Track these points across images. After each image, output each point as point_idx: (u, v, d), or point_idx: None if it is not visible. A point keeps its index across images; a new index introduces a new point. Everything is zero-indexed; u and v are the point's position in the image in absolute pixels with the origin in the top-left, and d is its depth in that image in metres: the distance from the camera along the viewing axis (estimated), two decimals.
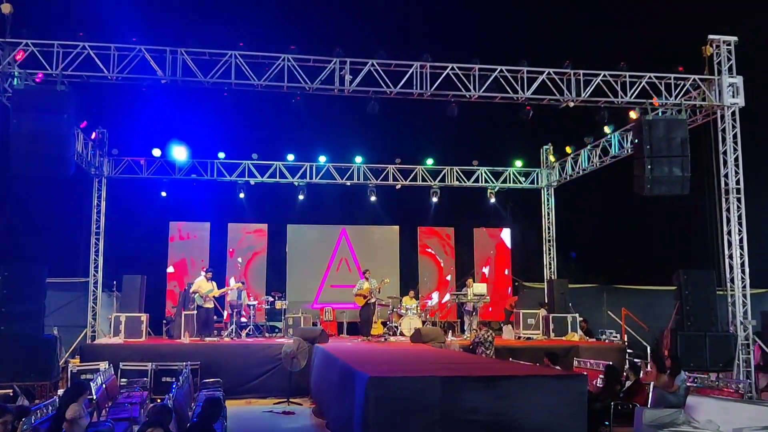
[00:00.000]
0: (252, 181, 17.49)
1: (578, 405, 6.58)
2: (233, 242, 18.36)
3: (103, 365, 11.68)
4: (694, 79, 13.00)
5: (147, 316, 14.66)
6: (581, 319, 15.99)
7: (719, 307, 12.86)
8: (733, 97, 12.78)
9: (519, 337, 15.76)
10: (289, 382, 12.41)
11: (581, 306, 16.71)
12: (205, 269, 15.12)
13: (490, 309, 18.04)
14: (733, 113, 12.82)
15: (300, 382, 12.48)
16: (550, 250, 18.47)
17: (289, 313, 16.05)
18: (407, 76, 12.37)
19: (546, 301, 17.12)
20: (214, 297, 14.46)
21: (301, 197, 17.67)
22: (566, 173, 17.61)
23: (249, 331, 15.51)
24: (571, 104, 12.88)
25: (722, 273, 12.86)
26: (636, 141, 12.70)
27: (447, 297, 17.97)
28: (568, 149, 17.43)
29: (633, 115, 13.46)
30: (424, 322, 15.79)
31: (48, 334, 12.08)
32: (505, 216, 19.58)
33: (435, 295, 18.38)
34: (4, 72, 11.28)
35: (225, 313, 15.47)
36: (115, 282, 16.16)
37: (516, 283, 19.35)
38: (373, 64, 12.22)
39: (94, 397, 8.79)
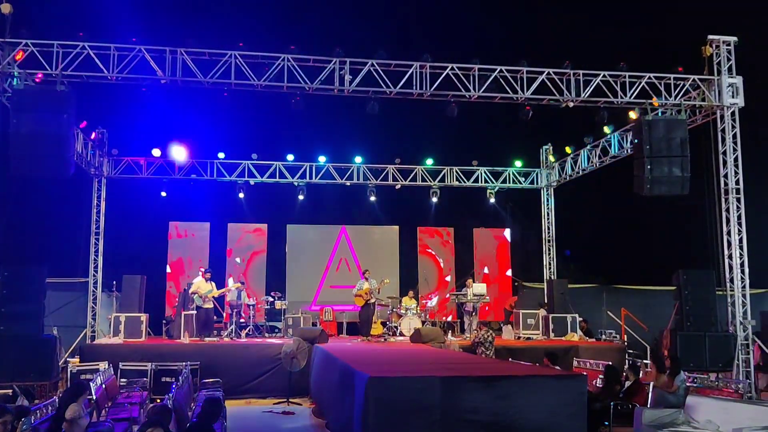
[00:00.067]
0: (252, 181, 17.50)
1: (578, 405, 6.59)
2: (233, 242, 18.36)
3: (102, 365, 11.68)
4: (693, 80, 13.01)
5: (147, 316, 14.66)
6: (581, 319, 15.99)
7: (719, 307, 12.87)
8: (733, 97, 12.78)
9: (519, 337, 15.76)
10: (288, 382, 12.41)
11: (581, 306, 16.70)
12: (203, 270, 15.12)
13: (487, 308, 18.04)
14: (733, 113, 12.83)
15: (300, 382, 12.48)
16: (549, 250, 18.48)
17: (289, 313, 16.05)
18: (407, 76, 12.37)
19: (546, 301, 17.13)
20: (213, 297, 14.46)
21: (300, 197, 17.67)
22: (566, 173, 17.61)
23: (249, 331, 15.52)
24: (571, 104, 12.87)
25: (722, 273, 12.86)
26: (636, 141, 12.70)
27: (435, 300, 17.98)
28: (567, 149, 17.43)
29: (633, 115, 13.47)
30: (423, 323, 15.79)
31: (48, 334, 12.09)
32: (504, 216, 19.59)
33: (435, 299, 18.35)
34: (3, 72, 11.27)
35: (225, 314, 15.48)
36: (114, 282, 16.16)
37: (516, 283, 19.35)
38: (372, 64, 12.22)
39: (94, 397, 8.79)
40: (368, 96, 12.43)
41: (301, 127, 17.25)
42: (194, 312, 14.35)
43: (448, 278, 19.14)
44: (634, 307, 16.60)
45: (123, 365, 12.18)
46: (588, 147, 16.41)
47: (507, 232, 19.64)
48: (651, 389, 9.41)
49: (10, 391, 9.93)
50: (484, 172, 18.42)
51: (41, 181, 12.91)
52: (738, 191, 12.71)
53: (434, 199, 18.29)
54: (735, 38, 12.86)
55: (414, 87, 12.39)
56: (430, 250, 19.30)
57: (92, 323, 15.48)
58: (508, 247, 19.55)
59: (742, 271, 12.63)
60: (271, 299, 16.60)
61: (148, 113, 15.18)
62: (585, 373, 10.03)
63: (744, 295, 12.58)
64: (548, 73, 12.68)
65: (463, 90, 12.53)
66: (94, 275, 15.92)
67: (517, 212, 19.70)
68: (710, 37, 12.89)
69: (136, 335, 14.07)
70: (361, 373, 6.62)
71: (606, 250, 18.83)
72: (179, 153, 16.34)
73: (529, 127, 14.21)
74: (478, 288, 16.00)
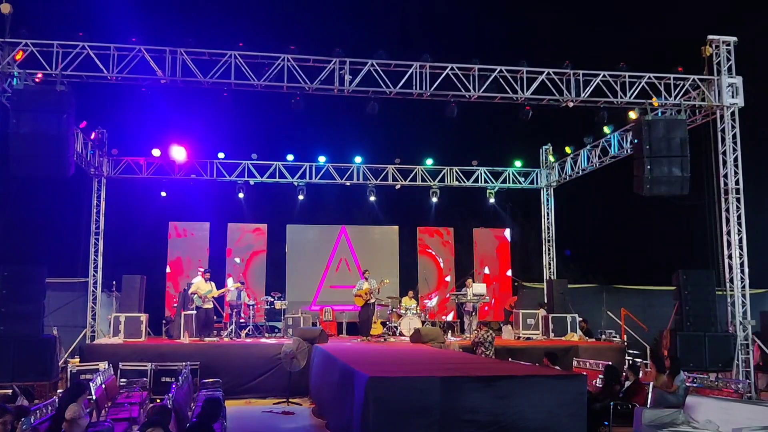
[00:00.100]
0: (251, 181, 17.50)
1: (578, 405, 6.60)
2: (233, 242, 18.36)
3: (102, 365, 11.68)
4: (693, 80, 13.01)
5: (146, 316, 14.66)
6: (581, 319, 16.00)
7: (719, 308, 12.86)
8: (733, 97, 12.78)
9: (518, 338, 15.77)
10: (288, 382, 12.41)
11: (581, 306, 16.70)
12: (202, 270, 15.12)
13: (486, 308, 18.05)
14: (733, 113, 12.82)
15: (299, 382, 12.48)
16: (549, 250, 18.48)
17: (289, 313, 16.04)
18: (407, 76, 12.36)
19: (545, 301, 17.13)
20: (213, 297, 14.46)
21: (300, 197, 17.67)
22: (566, 173, 17.62)
23: (248, 331, 15.52)
24: (571, 104, 12.88)
25: (722, 273, 12.86)
26: (635, 141, 12.70)
27: (435, 300, 17.96)
28: (567, 149, 17.44)
29: (632, 115, 13.47)
30: (423, 323, 15.79)
31: (47, 334, 12.07)
32: (504, 216, 19.59)
33: (435, 299, 18.33)
34: (3, 72, 11.26)
35: (224, 314, 15.48)
36: (114, 282, 16.16)
37: (515, 283, 19.35)
38: (372, 64, 12.22)
39: (94, 397, 8.79)
40: (368, 96, 12.42)
41: (301, 127, 17.25)
42: (194, 312, 14.35)
43: (447, 278, 19.14)
44: (633, 307, 16.61)
45: (123, 365, 12.19)
46: (588, 147, 16.41)
47: (507, 232, 19.64)
48: (651, 389, 9.41)
49: (10, 391, 9.94)
50: (484, 172, 18.43)
51: (41, 181, 12.88)
52: (738, 191, 12.71)
53: (434, 199, 18.29)
54: (735, 38, 12.85)
55: (414, 87, 12.39)
56: (429, 250, 19.31)
57: (92, 323, 15.47)
58: (507, 247, 19.55)
59: (742, 271, 12.64)
60: (271, 299, 16.60)
61: (147, 113, 15.18)
62: (585, 373, 10.02)
63: (744, 295, 12.58)
64: (548, 73, 12.68)
65: (462, 90, 12.53)
66: (93, 275, 15.92)
67: (517, 212, 19.70)
68: (710, 37, 12.89)
69: (135, 335, 14.07)
70: (361, 373, 6.63)
71: (606, 250, 18.84)
72: (179, 153, 16.34)
73: (528, 127, 14.20)
74: (478, 288, 16.01)
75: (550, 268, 18.40)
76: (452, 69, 12.50)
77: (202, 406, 6.88)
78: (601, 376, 10.71)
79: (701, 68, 13.00)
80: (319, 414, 10.66)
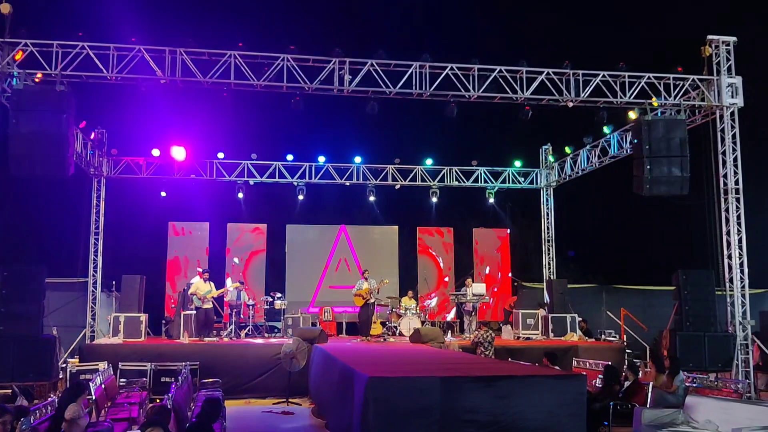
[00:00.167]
0: (251, 181, 17.49)
1: (577, 405, 6.59)
2: (232, 242, 18.35)
3: (102, 365, 11.68)
4: (693, 80, 13.01)
5: (146, 316, 14.66)
6: (580, 319, 16.00)
7: (718, 307, 12.86)
8: (732, 97, 12.78)
9: (518, 338, 15.76)
10: (288, 382, 12.41)
11: (580, 306, 16.70)
12: (201, 270, 15.11)
13: (484, 307, 18.03)
14: (732, 113, 12.82)
15: (299, 382, 12.47)
16: (549, 250, 18.49)
17: (288, 313, 16.04)
18: (406, 76, 12.36)
19: (545, 301, 17.13)
20: (213, 298, 14.45)
21: (300, 197, 17.68)
22: (565, 173, 17.62)
23: (248, 331, 15.52)
24: (570, 104, 12.88)
25: (721, 273, 12.87)
26: (635, 141, 12.70)
27: (435, 301, 17.95)
28: (567, 149, 17.45)
29: (632, 115, 13.47)
30: (423, 322, 15.79)
31: (47, 334, 12.07)
32: (504, 216, 19.59)
33: (435, 299, 18.32)
34: (3, 72, 11.26)
35: (224, 314, 15.47)
36: (114, 282, 16.16)
37: (515, 283, 19.35)
38: (372, 64, 12.22)
39: (93, 397, 8.78)
40: (368, 96, 12.43)
41: (301, 127, 17.25)
42: (193, 312, 14.35)
43: (447, 278, 19.14)
44: (633, 307, 16.61)
45: (122, 365, 12.18)
46: (587, 147, 16.41)
47: (506, 232, 19.64)
48: (650, 389, 9.41)
49: (10, 391, 9.92)
50: (484, 172, 18.43)
51: (41, 181, 12.90)
52: (737, 191, 12.71)
53: (434, 199, 18.30)
54: (734, 38, 12.86)
55: (413, 87, 12.39)
56: (429, 250, 19.30)
57: (92, 323, 15.47)
58: (507, 247, 19.55)
59: (742, 271, 12.64)
60: (271, 299, 16.60)
61: (147, 113, 15.19)
62: (584, 373, 10.00)
63: (743, 295, 12.58)
64: (548, 73, 12.68)
65: (462, 90, 12.53)
66: (93, 275, 15.91)
67: (517, 212, 19.71)
68: (709, 37, 12.90)
69: (135, 335, 14.06)
70: (360, 373, 6.62)
71: (605, 250, 18.85)
72: (178, 153, 16.34)
73: (528, 127, 14.21)
74: (478, 288, 16.02)
75: (549, 268, 18.41)
76: (452, 69, 12.50)
77: (202, 406, 6.89)
78: (600, 376, 10.70)
79: (701, 68, 13.01)
80: (319, 414, 10.66)
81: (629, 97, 12.87)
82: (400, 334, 15.54)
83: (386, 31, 18.00)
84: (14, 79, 11.28)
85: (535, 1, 19.27)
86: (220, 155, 17.27)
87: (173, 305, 16.68)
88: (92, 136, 15.49)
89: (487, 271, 19.19)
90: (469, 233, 19.43)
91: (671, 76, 12.98)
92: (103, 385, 9.61)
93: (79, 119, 13.58)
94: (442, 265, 19.27)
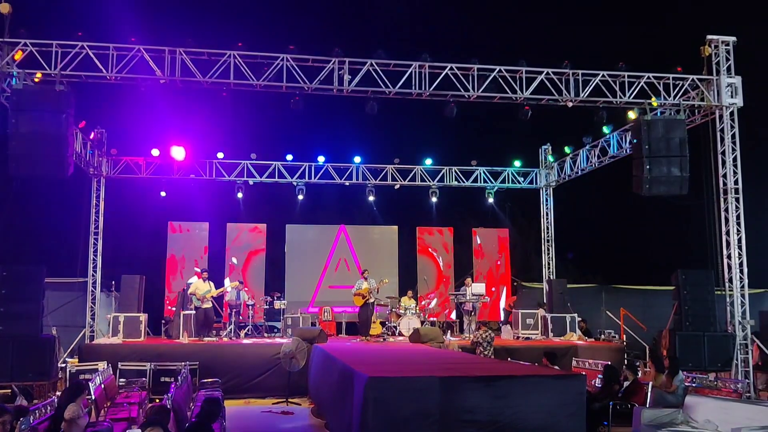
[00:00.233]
0: (251, 181, 17.49)
1: (577, 405, 6.59)
2: (232, 242, 18.34)
3: (101, 365, 11.67)
4: (692, 79, 13.02)
5: (146, 316, 14.66)
6: (580, 319, 16.01)
7: (718, 307, 12.88)
8: (732, 97, 12.79)
9: (518, 337, 15.76)
10: (287, 382, 12.40)
11: (580, 306, 16.71)
12: (199, 270, 15.11)
13: (480, 306, 18.00)
14: (732, 113, 12.83)
15: (299, 382, 12.47)
16: (548, 250, 18.50)
17: (288, 313, 16.04)
18: (406, 76, 12.36)
19: (545, 301, 17.13)
20: (212, 297, 14.45)
21: (300, 197, 17.68)
22: (565, 173, 17.63)
23: (248, 331, 15.52)
24: (570, 104, 12.88)
25: (721, 273, 12.87)
26: (634, 141, 12.71)
27: (435, 301, 17.94)
28: (566, 149, 17.45)
29: (632, 115, 13.47)
30: (422, 322, 15.79)
31: (47, 334, 12.07)
32: (503, 216, 19.60)
33: (434, 300, 18.32)
34: (2, 72, 11.25)
35: (223, 314, 15.47)
36: (113, 282, 16.17)
37: (515, 283, 19.36)
38: (371, 64, 12.22)
39: (93, 397, 8.78)
40: (367, 96, 12.42)
41: (300, 127, 17.25)
42: (193, 312, 14.34)
43: (447, 278, 19.13)
44: (633, 307, 16.61)
45: (122, 365, 12.17)
46: (587, 147, 16.42)
47: (506, 232, 19.64)
48: (650, 389, 9.41)
49: (9, 390, 9.92)
50: (483, 172, 18.44)
51: (40, 180, 12.89)
52: (737, 191, 12.72)
53: (433, 199, 18.30)
54: (734, 38, 12.87)
55: (413, 87, 12.39)
56: (429, 250, 19.30)
57: (91, 323, 15.47)
58: (507, 247, 19.55)
59: (741, 271, 12.64)
60: (271, 299, 16.60)
61: (147, 113, 15.17)
62: (584, 373, 10.00)
63: (743, 295, 12.59)
64: (547, 73, 12.68)
65: (462, 90, 12.53)
66: (93, 275, 15.91)
67: (516, 212, 19.72)
68: (709, 37, 12.90)
69: (135, 335, 14.06)
70: (360, 373, 6.62)
71: (605, 250, 18.84)
72: (178, 153, 16.33)
73: (528, 127, 14.19)
74: (477, 288, 16.00)
75: (549, 268, 18.42)
76: (451, 69, 12.50)
77: (202, 405, 6.89)
78: (600, 375, 10.70)
79: (700, 68, 13.02)
80: (319, 414, 10.66)
81: (629, 97, 12.87)
82: (400, 334, 15.54)
83: (386, 31, 18.01)
84: (14, 79, 11.28)
85: (535, 1, 19.27)
86: (220, 155, 17.27)
87: (170, 306, 16.69)
88: (92, 136, 15.49)
89: (486, 271, 19.18)
90: (468, 233, 19.43)
91: (671, 76, 12.99)
92: (102, 385, 9.61)
93: (79, 119, 13.58)
94: (441, 265, 19.27)
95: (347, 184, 17.91)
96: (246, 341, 14.41)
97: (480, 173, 18.40)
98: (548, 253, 18.48)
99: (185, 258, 17.72)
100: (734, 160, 12.75)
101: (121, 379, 11.88)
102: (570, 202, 18.55)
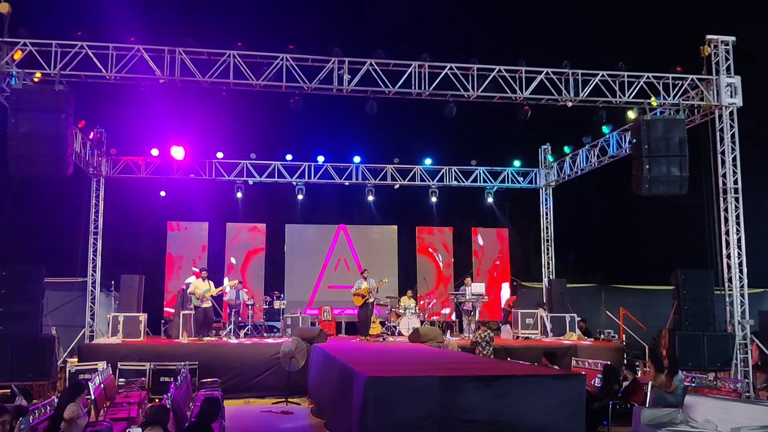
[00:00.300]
0: (250, 181, 17.49)
1: (576, 405, 6.60)
2: (231, 242, 18.34)
3: (101, 365, 11.66)
4: (692, 79, 13.02)
5: (145, 316, 14.65)
6: (579, 318, 16.01)
7: (717, 307, 12.87)
8: (731, 96, 12.79)
9: (517, 337, 15.76)
10: (287, 381, 12.40)
11: (579, 306, 16.71)
12: (197, 270, 15.10)
13: (480, 306, 18.00)
14: (731, 113, 12.83)
15: (298, 381, 12.47)
16: (548, 249, 18.50)
17: (288, 312, 16.04)
18: (405, 75, 12.36)
19: (544, 300, 17.13)
20: (212, 297, 14.45)
21: (299, 197, 17.67)
22: (564, 173, 17.63)
23: (247, 330, 15.51)
24: (570, 104, 12.88)
25: (720, 273, 12.87)
26: (634, 141, 12.72)
27: (434, 301, 17.93)
28: (566, 149, 17.45)
29: (631, 114, 13.48)
30: (422, 322, 15.80)
31: (46, 333, 12.07)
32: (503, 216, 19.60)
33: (434, 300, 18.31)
34: (2, 71, 11.24)
35: (223, 313, 15.47)
36: (113, 282, 16.17)
37: (514, 283, 19.36)
38: (371, 64, 12.22)
39: (92, 397, 8.78)
40: (367, 95, 12.42)
41: (300, 127, 17.25)
42: (192, 312, 14.34)
43: (446, 278, 19.13)
44: (632, 307, 16.62)
45: (121, 365, 12.17)
46: (586, 147, 16.42)
47: (505, 232, 19.64)
48: (649, 389, 9.42)
49: (9, 390, 9.91)
50: (483, 172, 18.44)
51: (40, 180, 12.88)
52: (736, 191, 12.72)
53: (433, 199, 18.31)
54: (733, 38, 12.86)
55: (413, 86, 12.39)
56: (428, 250, 19.30)
57: (90, 323, 15.47)
58: (506, 247, 19.55)
59: (741, 271, 12.64)
60: (270, 299, 16.60)
61: (146, 113, 15.14)
62: (583, 373, 10.01)
63: (742, 295, 12.59)
64: (547, 73, 12.69)
65: (461, 90, 12.53)
66: (92, 275, 15.91)
67: (516, 212, 19.72)
68: (709, 36, 12.90)
69: (134, 335, 14.05)
70: (359, 373, 6.62)
71: (604, 250, 18.84)
72: (178, 153, 16.33)
73: (527, 127, 14.19)
74: (477, 287, 16.00)
75: (548, 268, 18.42)
76: (451, 69, 12.50)
77: (201, 405, 6.88)
78: (599, 375, 10.71)
79: (700, 68, 13.02)
80: (318, 414, 10.66)
81: (628, 97, 12.87)
82: (399, 334, 15.54)
83: (385, 31, 18.00)
84: (13, 79, 11.27)
85: (535, 1, 19.28)
86: (219, 155, 17.27)
87: (167, 308, 16.69)
88: (91, 136, 15.49)
89: (485, 271, 19.18)
90: (468, 233, 19.44)
91: (670, 75, 12.99)
92: (102, 385, 9.61)
93: (78, 119, 13.59)
94: (441, 264, 19.27)
95: (347, 183, 17.91)
96: (246, 341, 14.40)
97: (480, 173, 18.41)
98: (548, 253, 18.49)
99: (183, 257, 17.71)
100: (734, 159, 12.75)
101: (121, 379, 11.88)
102: (569, 201, 18.55)
